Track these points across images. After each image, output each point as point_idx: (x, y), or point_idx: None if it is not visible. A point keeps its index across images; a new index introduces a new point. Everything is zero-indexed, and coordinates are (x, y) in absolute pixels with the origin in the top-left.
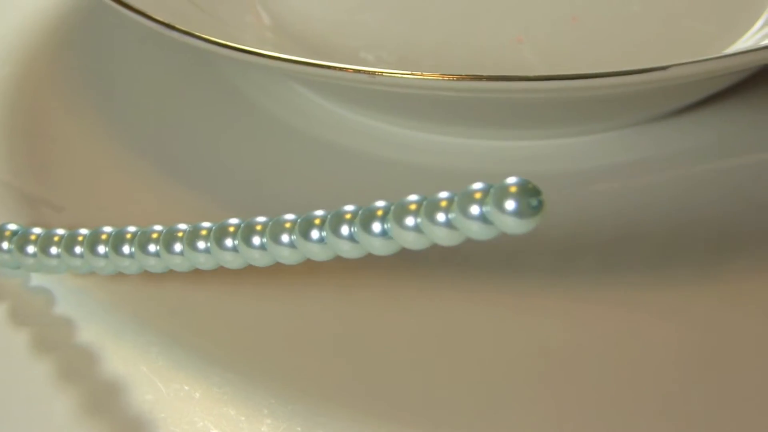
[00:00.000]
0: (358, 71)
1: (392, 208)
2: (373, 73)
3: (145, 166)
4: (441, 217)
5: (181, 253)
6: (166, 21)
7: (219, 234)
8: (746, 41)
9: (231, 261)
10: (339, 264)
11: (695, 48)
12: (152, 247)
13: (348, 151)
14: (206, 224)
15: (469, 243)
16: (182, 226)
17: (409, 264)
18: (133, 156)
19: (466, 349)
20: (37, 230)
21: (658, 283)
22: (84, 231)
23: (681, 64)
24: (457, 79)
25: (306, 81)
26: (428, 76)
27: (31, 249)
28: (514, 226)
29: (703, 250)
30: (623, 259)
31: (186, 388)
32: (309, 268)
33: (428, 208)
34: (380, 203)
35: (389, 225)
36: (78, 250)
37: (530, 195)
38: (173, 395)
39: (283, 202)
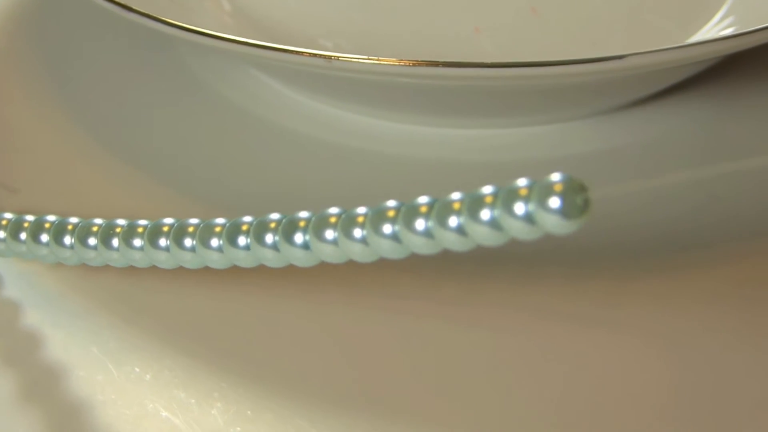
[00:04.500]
0: (315, 55)
1: (435, 205)
2: (329, 57)
3: (102, 153)
4: (486, 215)
5: (117, 249)
6: (124, 2)
7: (153, 232)
8: (705, 33)
9: (164, 261)
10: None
11: (655, 40)
12: (91, 241)
13: (311, 140)
14: (143, 222)
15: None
16: (120, 222)
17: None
18: (90, 142)
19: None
20: None
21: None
22: (30, 217)
23: (638, 53)
24: (413, 65)
25: (266, 67)
26: (384, 61)
27: None
28: (558, 226)
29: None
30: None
31: (137, 370)
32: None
33: (471, 205)
34: (422, 199)
35: (431, 224)
36: (23, 236)
37: (576, 192)
38: (124, 377)
39: (243, 190)
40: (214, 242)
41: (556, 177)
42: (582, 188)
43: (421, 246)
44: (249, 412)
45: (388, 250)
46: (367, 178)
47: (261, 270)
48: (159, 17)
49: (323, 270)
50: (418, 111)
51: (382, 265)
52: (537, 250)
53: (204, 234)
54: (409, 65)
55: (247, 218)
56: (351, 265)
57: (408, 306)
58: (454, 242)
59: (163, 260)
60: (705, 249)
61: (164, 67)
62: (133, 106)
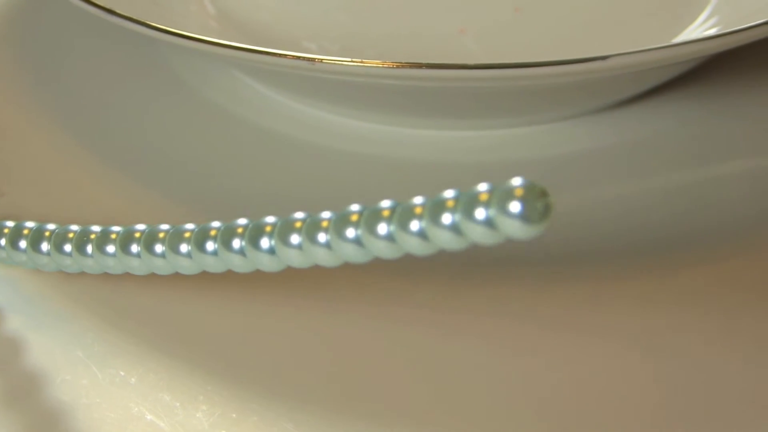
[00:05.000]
0: (299, 57)
1: (398, 209)
2: (313, 59)
3: (85, 154)
4: (447, 219)
5: (92, 256)
6: (108, 6)
7: (125, 239)
8: (690, 33)
9: (137, 267)
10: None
11: (639, 40)
12: (67, 247)
13: (296, 142)
14: (116, 228)
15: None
16: (95, 228)
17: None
18: (76, 145)
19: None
20: None
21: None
22: (9, 223)
23: (622, 54)
24: (397, 67)
25: (250, 70)
26: (368, 63)
27: None
28: (519, 230)
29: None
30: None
31: (122, 373)
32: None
33: (432, 209)
34: (385, 203)
35: (393, 228)
36: (2, 242)
37: (536, 197)
38: (108, 380)
39: (227, 191)
40: (183, 248)
41: (516, 182)
42: (543, 193)
43: (384, 250)
44: (234, 415)
45: (351, 254)
46: (352, 180)
47: (245, 274)
48: (144, 21)
49: (307, 274)
50: (403, 113)
51: (365, 268)
52: (519, 253)
53: (173, 240)
54: (393, 67)
55: (216, 223)
56: (334, 269)
57: (391, 310)
58: (415, 246)
59: (135, 266)
60: (687, 251)
61: (148, 69)
62: (116, 108)
